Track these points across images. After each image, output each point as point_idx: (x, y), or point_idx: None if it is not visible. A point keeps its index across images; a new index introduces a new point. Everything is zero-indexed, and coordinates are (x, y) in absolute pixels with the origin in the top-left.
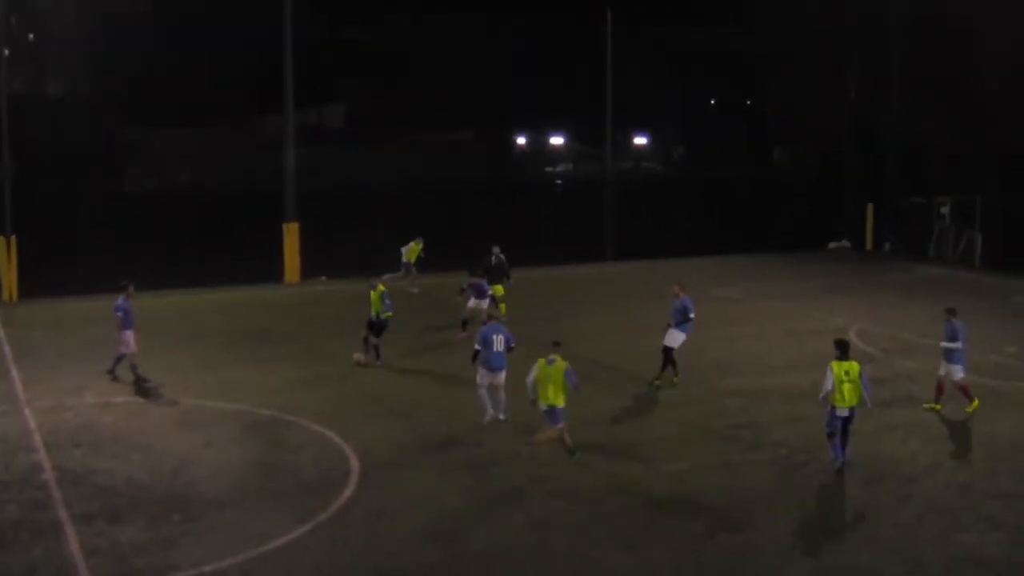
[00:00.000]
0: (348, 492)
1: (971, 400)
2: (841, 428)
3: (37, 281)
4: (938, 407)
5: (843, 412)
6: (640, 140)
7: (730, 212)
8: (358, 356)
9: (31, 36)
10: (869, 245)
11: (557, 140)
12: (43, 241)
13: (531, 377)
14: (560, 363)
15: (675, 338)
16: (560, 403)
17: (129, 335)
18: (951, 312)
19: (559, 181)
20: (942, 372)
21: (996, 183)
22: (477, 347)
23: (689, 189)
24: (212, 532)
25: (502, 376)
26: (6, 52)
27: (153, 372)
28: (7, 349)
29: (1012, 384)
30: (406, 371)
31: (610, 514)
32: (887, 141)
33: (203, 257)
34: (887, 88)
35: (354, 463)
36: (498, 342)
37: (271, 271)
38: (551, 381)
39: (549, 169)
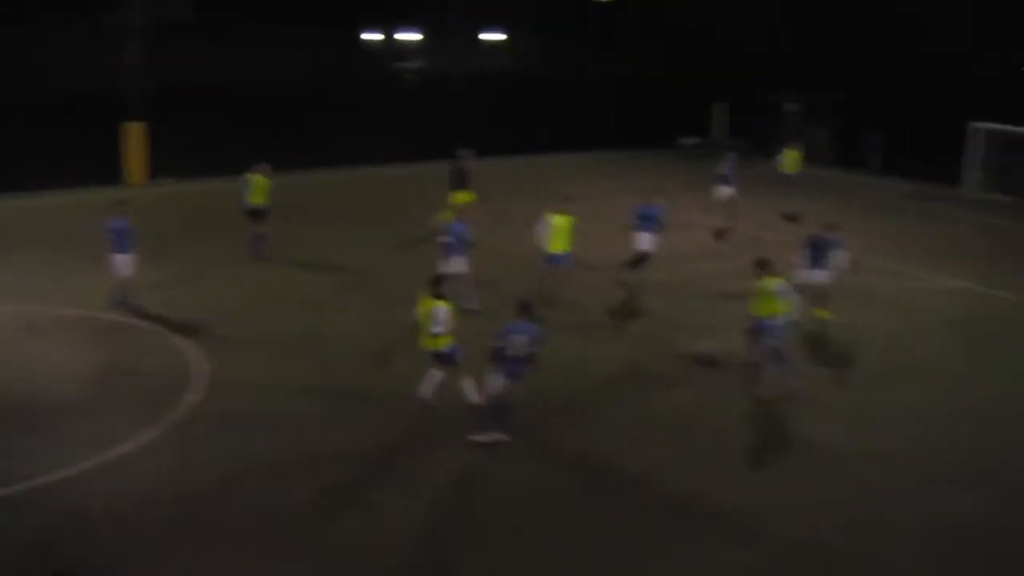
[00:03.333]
0: (196, 396)
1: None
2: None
3: None
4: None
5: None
6: (493, 36)
7: (583, 108)
8: None
9: None
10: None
11: (409, 36)
12: None
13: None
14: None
15: None
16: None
17: (115, 258)
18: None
19: (411, 77)
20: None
21: (840, 82)
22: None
23: (542, 85)
24: (59, 441)
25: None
26: None
27: None
28: None
29: (857, 279)
30: (254, 271)
31: (451, 410)
32: (735, 37)
33: (39, 160)
34: None
35: (201, 366)
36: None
37: (115, 172)
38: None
39: (400, 65)
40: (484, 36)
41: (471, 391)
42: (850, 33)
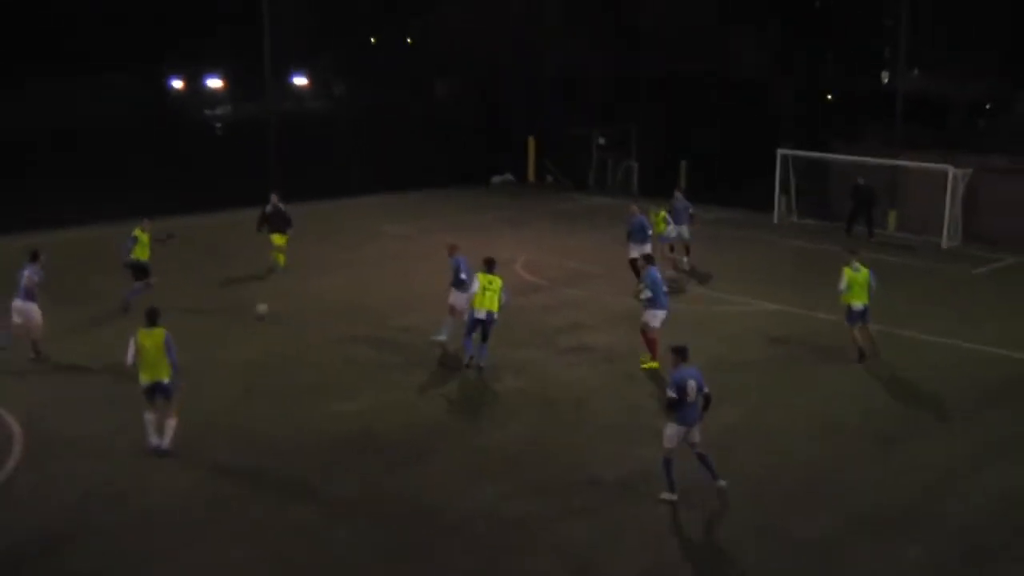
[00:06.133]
0: (11, 461)
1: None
2: (481, 330)
3: None
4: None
5: (480, 314)
6: (300, 80)
7: (395, 149)
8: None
9: None
10: (532, 178)
11: (215, 83)
12: None
13: (475, 287)
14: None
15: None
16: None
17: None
18: (649, 260)
19: (219, 124)
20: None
21: (647, 113)
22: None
23: (352, 127)
24: None
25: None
26: None
27: None
28: None
29: (678, 306)
30: (71, 329)
31: (290, 459)
32: (544, 74)
33: None
34: (543, 21)
35: (15, 429)
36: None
37: None
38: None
39: (208, 112)
40: (293, 79)
41: (170, 434)
42: (654, 62)
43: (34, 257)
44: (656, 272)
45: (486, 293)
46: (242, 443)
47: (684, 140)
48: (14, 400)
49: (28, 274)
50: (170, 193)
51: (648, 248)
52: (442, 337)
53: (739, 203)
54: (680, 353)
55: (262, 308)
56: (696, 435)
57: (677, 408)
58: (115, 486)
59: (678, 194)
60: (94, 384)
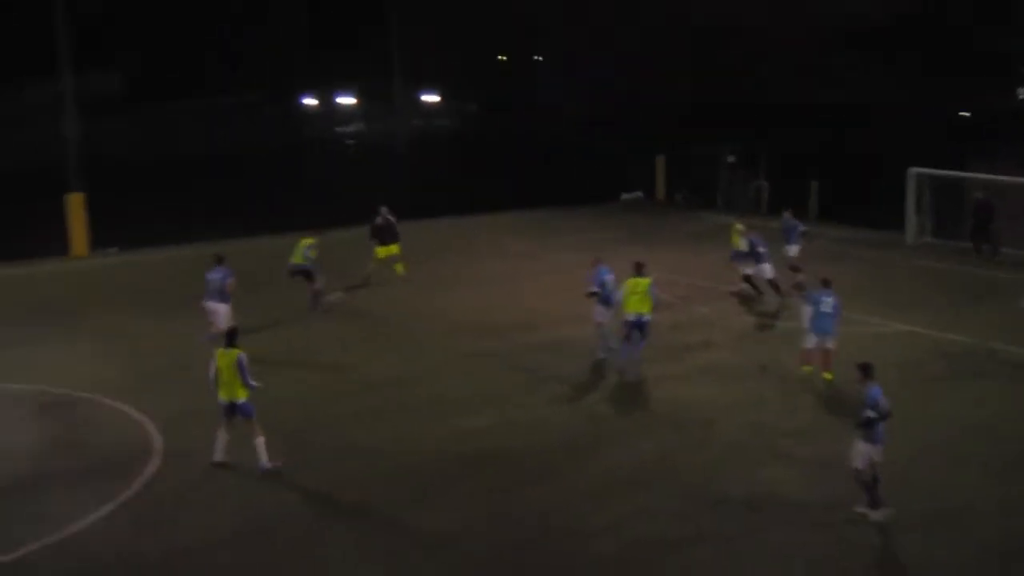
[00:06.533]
0: (151, 469)
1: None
2: (632, 330)
3: None
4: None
5: (631, 317)
6: (430, 98)
7: (523, 166)
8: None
9: None
10: (661, 195)
11: (347, 100)
12: None
13: (620, 294)
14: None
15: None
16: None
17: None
18: (825, 282)
19: (351, 141)
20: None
21: (777, 133)
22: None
23: (482, 145)
24: (9, 519)
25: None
26: None
27: None
28: None
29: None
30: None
31: (411, 474)
32: (675, 94)
33: None
34: (666, 41)
35: (156, 438)
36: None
37: (55, 245)
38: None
39: (340, 129)
40: (423, 97)
41: (263, 452)
42: (785, 83)
43: (220, 260)
44: (815, 295)
45: (631, 297)
46: (362, 459)
47: (814, 160)
48: (158, 409)
49: (219, 277)
50: (304, 209)
51: (766, 267)
52: (611, 345)
53: (871, 223)
54: (867, 371)
55: (337, 295)
56: (880, 454)
57: (873, 427)
58: (231, 500)
59: (786, 215)
60: None
